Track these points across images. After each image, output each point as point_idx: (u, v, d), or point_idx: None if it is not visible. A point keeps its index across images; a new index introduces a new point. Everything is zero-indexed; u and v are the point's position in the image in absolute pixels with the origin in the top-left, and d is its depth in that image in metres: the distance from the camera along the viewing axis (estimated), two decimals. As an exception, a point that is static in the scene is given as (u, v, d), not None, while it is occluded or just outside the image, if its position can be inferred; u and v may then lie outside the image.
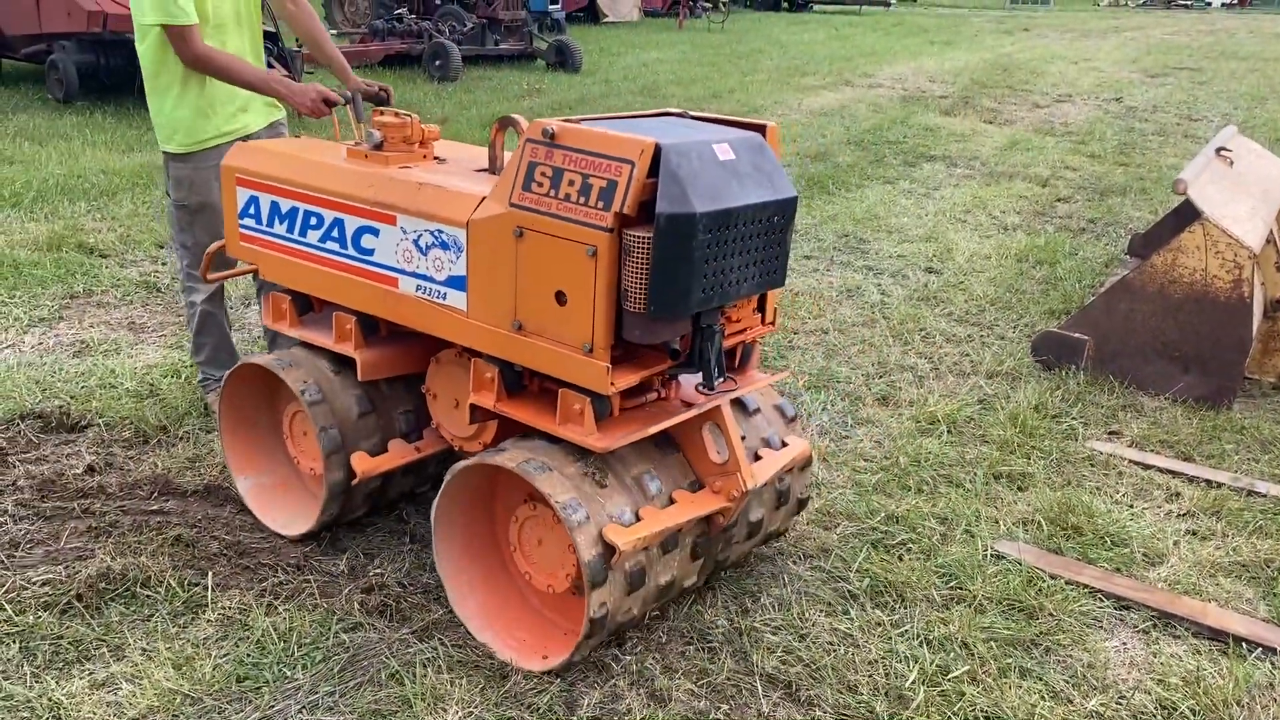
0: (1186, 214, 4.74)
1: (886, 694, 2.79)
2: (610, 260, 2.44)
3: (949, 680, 2.83)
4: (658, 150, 2.39)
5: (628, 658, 2.84)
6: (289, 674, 2.74)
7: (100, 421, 4.04)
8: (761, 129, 2.76)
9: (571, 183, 2.48)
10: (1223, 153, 5.37)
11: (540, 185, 2.53)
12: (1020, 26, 25.52)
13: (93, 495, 3.52)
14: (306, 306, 3.30)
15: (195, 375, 4.32)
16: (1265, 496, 3.88)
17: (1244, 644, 3.02)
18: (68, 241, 6.19)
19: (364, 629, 2.92)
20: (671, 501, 2.75)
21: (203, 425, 4.07)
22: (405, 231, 2.83)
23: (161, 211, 6.88)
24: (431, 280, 2.81)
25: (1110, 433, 4.43)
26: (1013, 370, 5.02)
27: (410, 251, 2.84)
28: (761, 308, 2.93)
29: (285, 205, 3.12)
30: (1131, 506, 3.81)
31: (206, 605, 2.99)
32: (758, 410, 3.11)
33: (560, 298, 2.54)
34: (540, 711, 2.64)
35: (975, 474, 3.99)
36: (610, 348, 2.52)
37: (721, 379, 2.70)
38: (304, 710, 2.62)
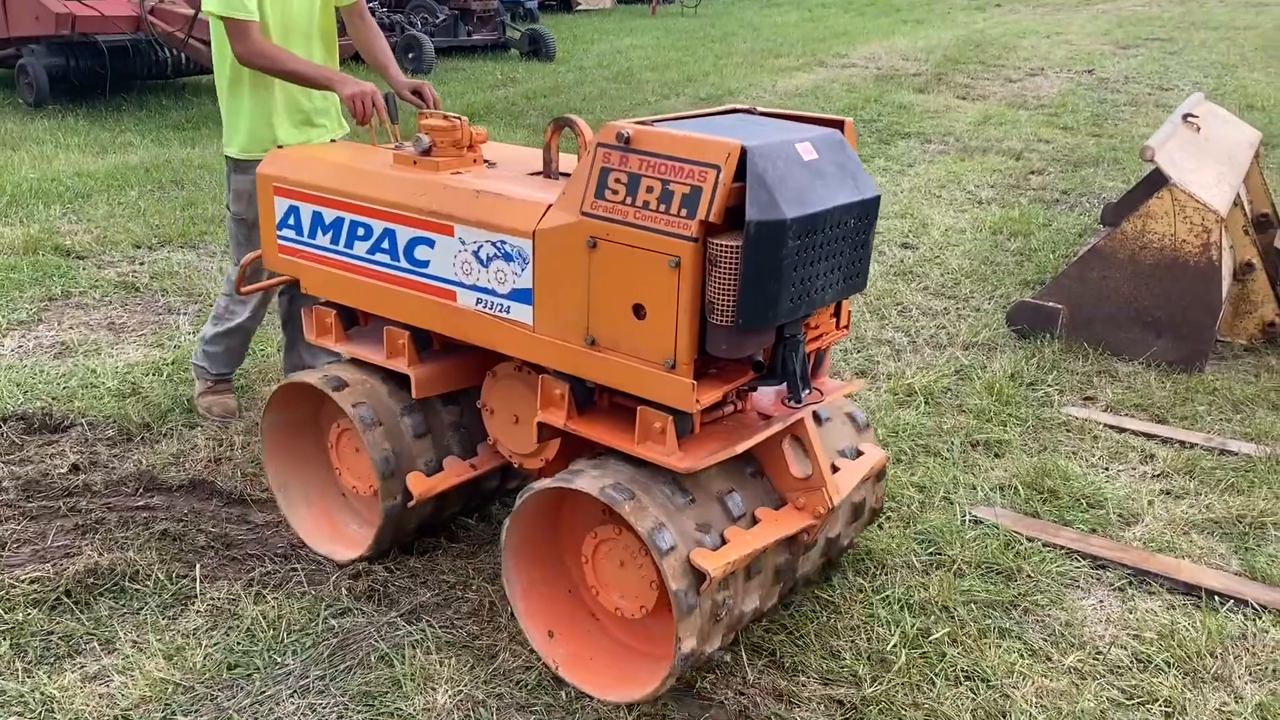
0: (1155, 181, 4.81)
1: (869, 658, 2.85)
2: (694, 271, 2.31)
3: (930, 642, 2.90)
4: (743, 153, 2.25)
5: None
6: (279, 660, 2.78)
7: (83, 421, 4.02)
8: (840, 125, 2.61)
9: (650, 189, 2.33)
10: (1189, 119, 5.41)
11: (615, 193, 2.39)
12: (992, 2, 25.40)
13: (78, 493, 3.52)
14: (352, 320, 3.15)
15: (190, 354, 4.19)
16: (1237, 455, 3.98)
17: (1217, 597, 3.10)
18: (44, 244, 6.11)
19: (352, 614, 2.96)
20: (755, 521, 2.61)
21: (186, 421, 4.08)
22: (464, 243, 2.69)
23: (138, 212, 6.83)
24: (494, 294, 2.67)
25: (1085, 398, 4.52)
26: (989, 341, 5.10)
27: (470, 263, 2.69)
28: (836, 311, 2.80)
29: (329, 215, 2.97)
30: (1107, 469, 3.91)
31: (195, 597, 3.02)
32: (829, 419, 2.98)
33: (639, 311, 2.40)
34: (529, 688, 2.70)
35: (953, 443, 4.05)
36: (693, 362, 2.38)
37: (807, 391, 2.57)
38: (295, 694, 2.67)
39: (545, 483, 2.59)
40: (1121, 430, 4.19)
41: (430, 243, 2.76)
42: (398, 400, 3.03)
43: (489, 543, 3.32)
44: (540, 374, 2.74)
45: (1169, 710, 2.69)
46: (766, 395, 2.72)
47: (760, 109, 2.78)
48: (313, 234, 3.04)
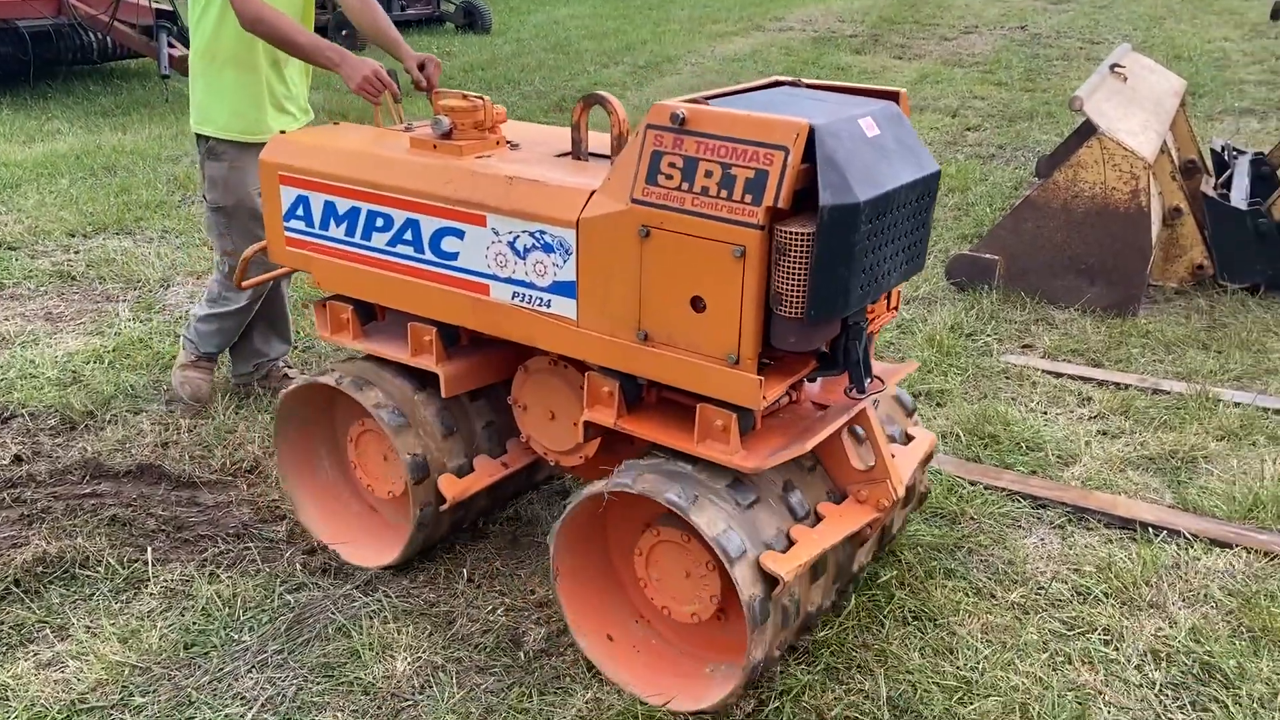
0: (1085, 131, 4.89)
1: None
2: (760, 261, 2.16)
3: (878, 585, 2.96)
4: (811, 132, 2.10)
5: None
6: (236, 637, 2.79)
7: (24, 412, 3.94)
8: (894, 96, 2.47)
9: (709, 174, 2.18)
10: (1116, 70, 5.49)
11: (669, 178, 2.22)
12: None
13: (22, 484, 3.46)
14: (369, 315, 2.97)
15: (180, 330, 4.03)
16: (1169, 394, 4.14)
17: (1151, 530, 3.24)
18: (-27, 236, 5.89)
19: (308, 589, 2.97)
20: (818, 518, 2.49)
21: (130, 407, 3.99)
22: (497, 233, 2.51)
23: (70, 200, 6.56)
24: (532, 287, 2.50)
25: (1024, 346, 4.64)
26: (929, 295, 5.19)
27: (504, 255, 2.52)
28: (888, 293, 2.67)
29: (343, 205, 2.78)
30: (1045, 413, 4.03)
31: (148, 580, 3.01)
32: (877, 404, 2.86)
33: (698, 304, 2.25)
34: (488, 650, 2.73)
35: (896, 394, 4.16)
36: (758, 357, 2.24)
37: (870, 379, 2.44)
38: (253, 669, 2.68)
39: (601, 486, 2.44)
40: (1059, 375, 4.31)
41: (459, 233, 2.58)
42: (424, 399, 2.86)
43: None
44: (585, 370, 2.60)
45: (1107, 638, 2.79)
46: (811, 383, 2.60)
47: (806, 81, 2.62)
48: (325, 225, 2.84)
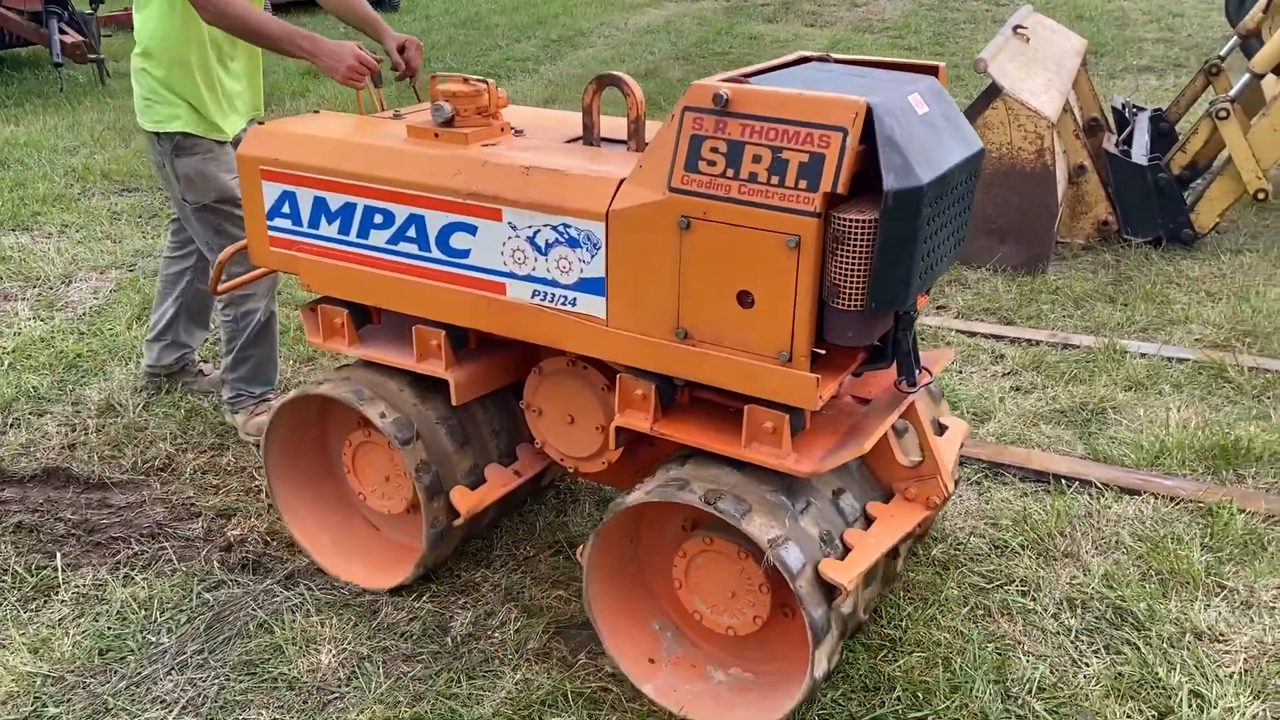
0: (990, 92, 4.93)
1: None
2: (816, 251, 2.00)
3: None
4: (869, 111, 1.95)
5: (497, 575, 2.91)
6: (153, 640, 2.72)
7: None
8: (934, 71, 2.33)
9: (757, 159, 2.02)
10: (1019, 31, 5.52)
11: (712, 164, 2.06)
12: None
13: None
14: (363, 318, 2.76)
15: (220, 395, 3.73)
16: (1079, 348, 4.22)
17: (1064, 481, 3.30)
18: None
19: (227, 586, 2.92)
20: (869, 520, 2.36)
21: (34, 409, 3.83)
22: (515, 228, 2.32)
23: None
24: (555, 284, 2.32)
25: (938, 307, 4.69)
26: None
27: (523, 251, 2.33)
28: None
29: (336, 201, 2.56)
30: (960, 372, 4.08)
31: (58, 586, 2.92)
32: (909, 392, 2.73)
33: (745, 299, 2.09)
34: (415, 638, 2.70)
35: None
36: (810, 353, 2.09)
37: (920, 370, 2.31)
38: (173, 671, 2.62)
39: (641, 496, 2.27)
40: (972, 334, 4.38)
41: (471, 229, 2.39)
42: (431, 408, 2.67)
43: None
44: (607, 371, 2.43)
45: (1025, 589, 2.84)
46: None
47: (834, 56, 2.47)
48: (315, 223, 2.62)
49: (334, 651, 2.65)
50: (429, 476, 2.59)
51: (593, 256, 2.25)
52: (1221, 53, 5.96)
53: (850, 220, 1.96)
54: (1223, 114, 5.02)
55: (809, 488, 2.30)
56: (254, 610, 2.80)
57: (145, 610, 2.80)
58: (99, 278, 5.06)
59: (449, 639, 2.68)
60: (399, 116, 2.80)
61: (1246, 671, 2.54)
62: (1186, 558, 2.90)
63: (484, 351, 2.66)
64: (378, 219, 2.51)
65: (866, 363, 2.29)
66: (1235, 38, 6.08)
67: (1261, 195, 5.00)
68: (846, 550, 2.25)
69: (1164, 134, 6.00)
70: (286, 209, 2.65)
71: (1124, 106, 6.33)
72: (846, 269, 1.99)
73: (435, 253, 2.46)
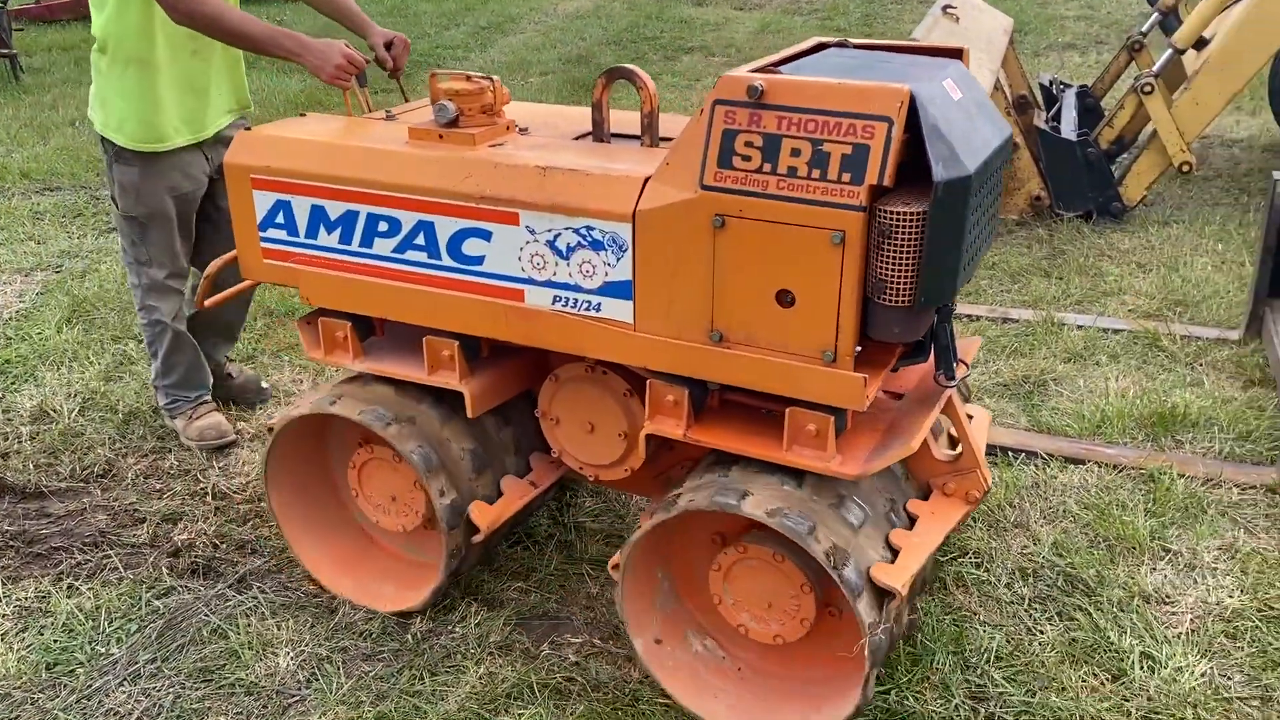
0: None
1: None
2: (861, 246, 1.93)
3: None
4: (912, 100, 1.87)
5: (455, 569, 2.90)
6: (103, 651, 2.65)
7: None
8: (958, 54, 2.26)
9: (796, 152, 1.93)
10: (948, 10, 5.55)
11: (748, 159, 1.97)
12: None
13: None
14: (366, 330, 2.63)
15: (157, 400, 3.63)
16: (1018, 322, 4.29)
17: (1010, 453, 3.33)
18: None
19: (177, 592, 2.85)
20: (912, 519, 2.29)
21: None
22: (533, 232, 2.22)
23: None
24: (578, 290, 2.22)
25: None
26: None
27: (543, 256, 2.23)
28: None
29: (336, 209, 2.43)
30: None
31: None
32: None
33: (785, 298, 2.01)
34: (374, 636, 2.66)
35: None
36: (854, 352, 2.02)
37: (958, 363, 2.25)
38: (125, 683, 2.55)
39: (687, 506, 2.18)
40: None
41: (485, 235, 2.28)
42: (445, 422, 2.56)
43: None
44: (629, 376, 2.34)
45: (978, 560, 2.87)
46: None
47: (853, 41, 2.39)
48: (313, 233, 2.49)
49: (292, 654, 2.60)
50: (453, 504, 2.49)
51: (618, 259, 2.16)
52: (1143, 29, 6.08)
53: (898, 213, 1.89)
54: (1147, 89, 5.12)
55: (851, 489, 2.22)
56: (207, 616, 2.74)
57: (93, 621, 2.73)
58: (24, 280, 4.89)
59: (409, 636, 2.64)
60: (391, 117, 2.68)
61: (1193, 632, 2.60)
62: (1131, 524, 2.96)
63: (496, 360, 2.55)
64: (382, 227, 2.39)
65: (904, 357, 2.22)
66: (1155, 14, 6.21)
67: (1186, 168, 5.13)
68: (894, 552, 2.18)
69: (1090, 110, 6.10)
70: (281, 219, 2.52)
71: (1051, 83, 6.41)
72: (894, 264, 1.92)
73: (446, 260, 2.34)
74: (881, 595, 2.10)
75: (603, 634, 2.66)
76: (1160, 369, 3.88)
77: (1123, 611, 2.66)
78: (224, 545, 3.02)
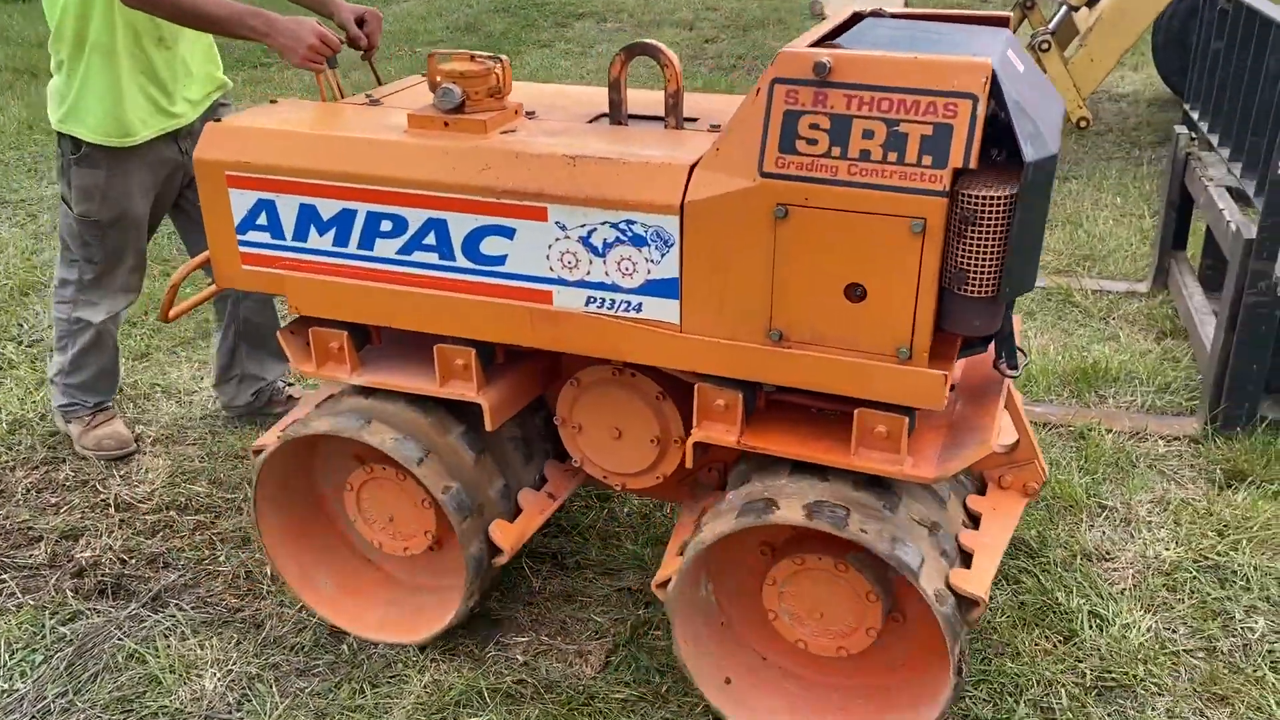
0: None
1: (648, 541, 2.86)
2: (940, 233, 1.78)
3: None
4: (993, 75, 1.73)
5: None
6: (7, 686, 2.46)
7: None
8: (1004, 22, 2.13)
9: (869, 134, 1.77)
10: None
11: (813, 143, 1.80)
12: None
13: None
14: (363, 339, 2.40)
15: (51, 398, 3.36)
16: None
17: None
18: None
19: (85, 615, 2.66)
20: (974, 517, 2.18)
21: None
22: (564, 227, 2.02)
23: None
24: (615, 289, 2.03)
25: None
26: None
27: (575, 254, 2.03)
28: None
29: (329, 208, 2.19)
30: None
31: None
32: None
33: (855, 292, 1.86)
34: (306, 650, 2.53)
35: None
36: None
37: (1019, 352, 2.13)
38: (34, 719, 2.37)
39: (747, 522, 2.02)
40: None
41: (507, 232, 2.06)
42: (458, 438, 2.34)
43: (228, 509, 3.02)
44: (661, 378, 2.17)
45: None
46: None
47: (889, 10, 2.23)
48: (303, 235, 2.24)
49: (218, 675, 2.46)
50: (478, 538, 2.29)
51: (663, 255, 1.97)
52: None
53: (984, 198, 1.74)
54: (1044, 46, 5.18)
55: (917, 492, 2.09)
56: (120, 640, 2.57)
57: None
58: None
59: (344, 647, 2.52)
60: (376, 102, 2.43)
61: (1135, 586, 2.65)
62: (1067, 482, 2.98)
63: (512, 367, 2.35)
64: (385, 226, 2.16)
65: (964, 348, 2.09)
66: None
67: (1084, 123, 5.24)
68: (965, 555, 2.06)
69: None
70: (263, 220, 2.26)
71: None
72: (978, 251, 1.78)
73: (462, 261, 2.12)
74: (959, 599, 1.97)
75: (549, 630, 2.58)
76: (1076, 324, 3.92)
77: (1067, 571, 2.67)
78: (133, 561, 2.83)
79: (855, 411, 1.96)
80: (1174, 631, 2.51)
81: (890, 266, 1.82)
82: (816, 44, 1.88)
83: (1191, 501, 2.93)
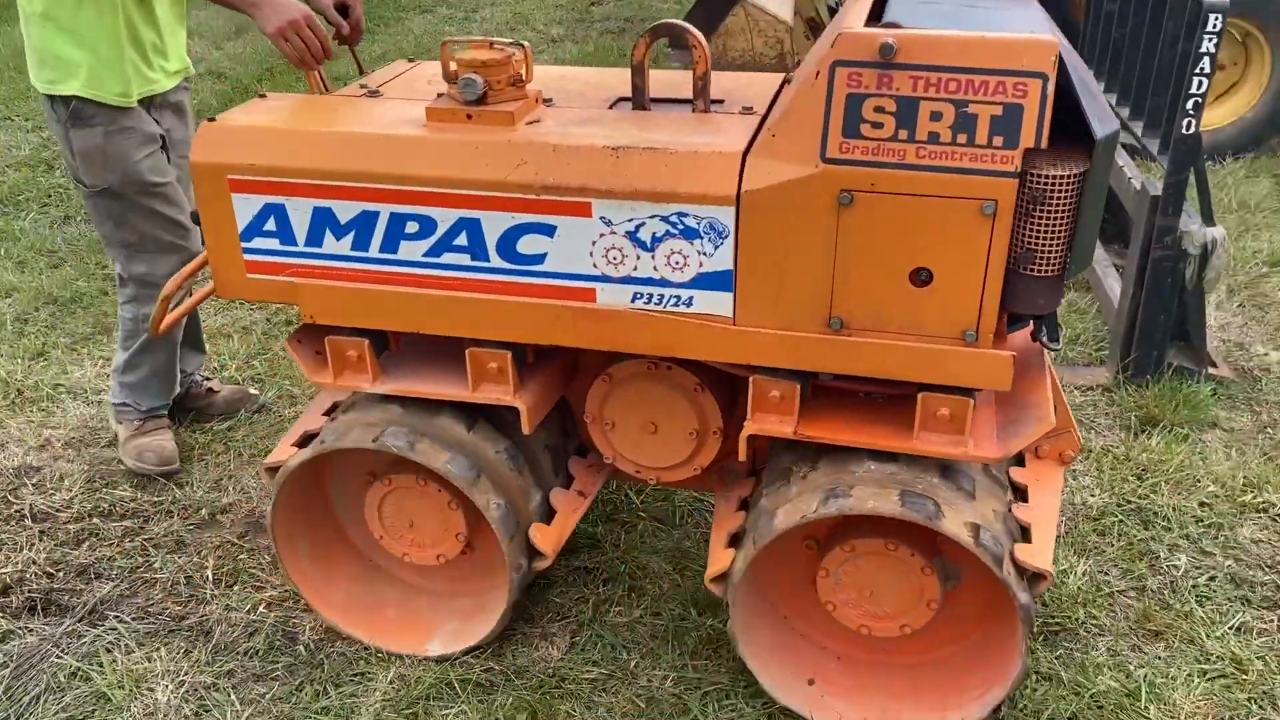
0: (723, 2, 5.17)
1: (604, 520, 2.86)
2: (1010, 214, 1.76)
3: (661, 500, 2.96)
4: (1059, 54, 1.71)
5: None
6: None
7: None
8: (1032, -4, 2.11)
9: (937, 116, 1.74)
10: None
11: (878, 126, 1.76)
12: None
13: None
14: (381, 346, 2.28)
15: (111, 391, 3.16)
16: None
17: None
18: None
19: (18, 635, 2.52)
20: (1021, 492, 2.19)
21: None
22: (609, 223, 1.94)
23: None
24: (665, 284, 1.97)
25: None
26: None
27: (620, 249, 1.96)
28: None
29: (347, 211, 2.06)
30: None
31: None
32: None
33: (920, 276, 1.83)
34: (261, 654, 2.44)
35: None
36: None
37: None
38: None
39: (812, 514, 1.99)
40: None
41: (547, 230, 1.98)
42: (491, 444, 2.26)
43: (156, 513, 2.89)
44: (701, 371, 2.13)
45: None
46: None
47: (913, -18, 2.19)
48: (318, 240, 2.11)
49: (171, 687, 2.35)
50: (519, 564, 2.22)
51: (716, 247, 1.91)
52: None
53: (1054, 177, 1.73)
54: None
55: (967, 470, 2.09)
56: (60, 658, 2.44)
57: None
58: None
59: (300, 648, 2.44)
60: (374, 92, 2.30)
61: (1068, 533, 2.72)
62: None
63: (539, 368, 2.26)
64: (411, 228, 2.04)
65: (1009, 325, 2.09)
66: None
67: None
68: (1022, 529, 2.08)
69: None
70: (272, 226, 2.12)
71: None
72: (1046, 231, 1.77)
73: (497, 261, 2.03)
74: (1024, 572, 1.99)
75: (511, 615, 2.50)
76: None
77: None
78: (61, 574, 2.69)
79: (919, 395, 1.94)
80: (1107, 574, 2.61)
81: (958, 249, 1.80)
82: (884, 25, 1.83)
83: (1111, 448, 3.04)
